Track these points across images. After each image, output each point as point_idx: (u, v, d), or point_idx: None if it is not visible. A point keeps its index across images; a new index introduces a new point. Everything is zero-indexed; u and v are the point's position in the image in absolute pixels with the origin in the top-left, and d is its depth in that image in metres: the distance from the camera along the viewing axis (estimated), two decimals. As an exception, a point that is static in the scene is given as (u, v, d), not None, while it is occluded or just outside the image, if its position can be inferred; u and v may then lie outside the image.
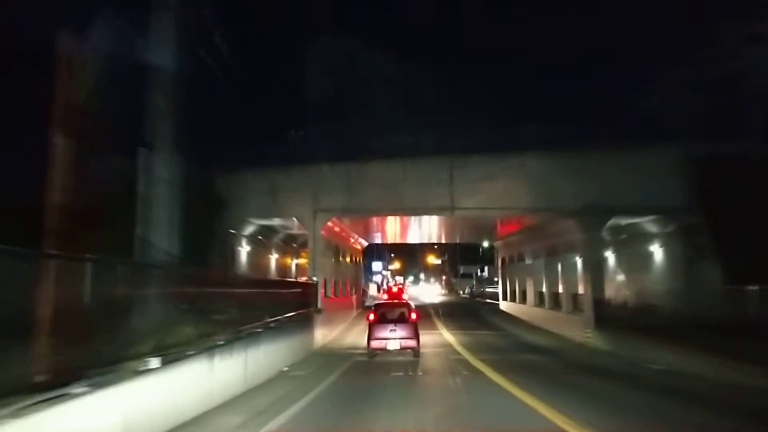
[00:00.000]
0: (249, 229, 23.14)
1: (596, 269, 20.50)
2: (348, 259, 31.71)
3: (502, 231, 33.55)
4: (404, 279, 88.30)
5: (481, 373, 12.25)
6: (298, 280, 20.28)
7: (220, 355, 7.94)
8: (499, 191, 20.70)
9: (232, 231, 22.23)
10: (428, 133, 20.76)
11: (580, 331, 20.73)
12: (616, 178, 20.05)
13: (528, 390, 9.64)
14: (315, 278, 20.45)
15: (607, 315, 19.57)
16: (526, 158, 20.56)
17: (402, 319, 15.33)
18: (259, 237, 25.94)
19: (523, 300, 31.64)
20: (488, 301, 46.02)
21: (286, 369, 12.66)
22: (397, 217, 27.57)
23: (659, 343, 14.78)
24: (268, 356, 11.27)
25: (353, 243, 34.05)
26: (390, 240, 41.66)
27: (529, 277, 30.32)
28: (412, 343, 14.85)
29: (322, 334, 19.64)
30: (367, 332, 15.71)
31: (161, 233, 7.51)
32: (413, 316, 15.64)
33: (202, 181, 19.59)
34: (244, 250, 23.02)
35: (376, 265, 71.69)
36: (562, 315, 23.79)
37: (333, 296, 25.03)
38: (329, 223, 23.57)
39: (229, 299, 9.39)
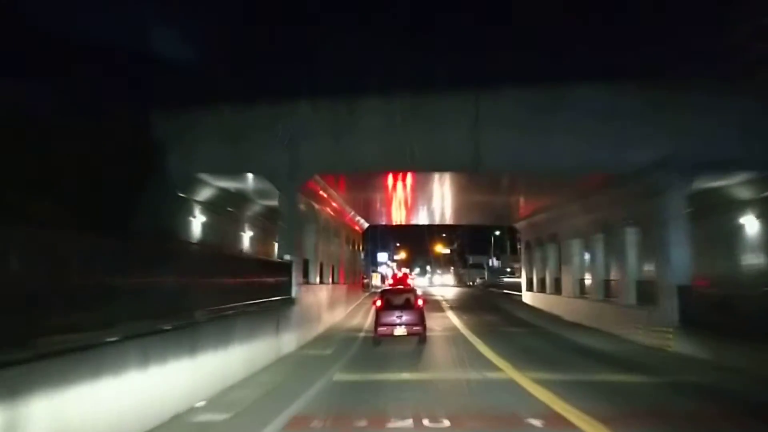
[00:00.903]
0: (205, 193, 17.50)
1: (679, 246, 14.70)
2: (343, 240, 25.99)
3: (527, 208, 27.72)
4: (410, 270, 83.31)
5: (567, 423, 6.48)
6: (257, 256, 14.77)
7: None
8: (543, 138, 14.96)
9: (182, 195, 16.65)
10: (446, 56, 14.93)
11: (651, 331, 15.05)
12: (704, 121, 14.34)
13: None
14: (288, 257, 14.78)
15: (692, 308, 13.93)
16: (581, 92, 14.80)
17: (408, 305, 15.07)
18: (229, 209, 20.34)
19: (556, 290, 25.88)
20: (506, 292, 40.41)
21: (199, 405, 7.03)
22: (401, 190, 21.82)
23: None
24: (131, 392, 5.64)
25: (349, 221, 28.35)
26: (393, 219, 35.71)
27: (565, 261, 24.52)
28: (418, 329, 14.54)
29: (297, 334, 14.02)
30: (371, 323, 15.27)
31: None
32: (419, 302, 15.29)
33: (122, 117, 14.04)
34: (198, 220, 17.39)
35: (381, 256, 67.58)
36: (619, 309, 18.01)
37: (320, 283, 19.38)
38: (316, 187, 17.93)
39: None
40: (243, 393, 7.87)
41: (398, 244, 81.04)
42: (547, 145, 15.03)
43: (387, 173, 17.70)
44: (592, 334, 17.34)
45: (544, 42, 16.23)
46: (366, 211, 29.38)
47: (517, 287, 37.23)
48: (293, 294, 14.45)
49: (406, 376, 9.87)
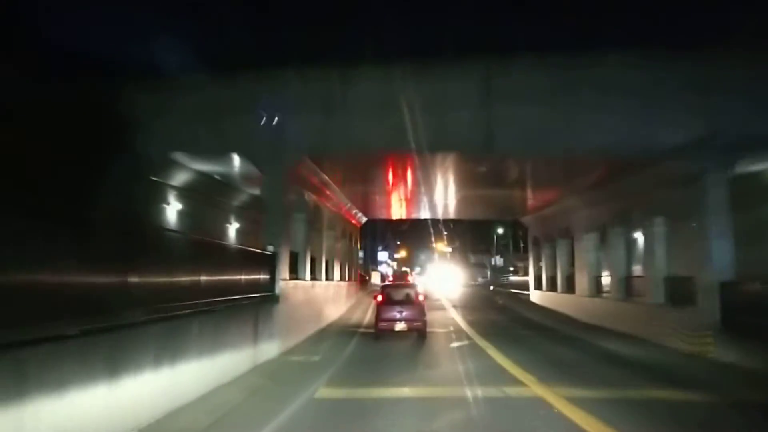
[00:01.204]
0: (181, 177, 15.64)
1: (721, 238, 12.82)
2: (338, 233, 24.08)
3: (536, 200, 25.70)
4: (411, 269, 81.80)
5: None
6: (229, 244, 12.96)
7: None
8: (564, 115, 13.09)
9: (154, 178, 14.82)
10: (453, 19, 13.01)
11: (684, 334, 13.21)
12: (750, 95, 12.44)
13: None
14: (271, 248, 12.90)
15: (736, 308, 12.10)
16: (611, 63, 12.90)
17: (409, 300, 15.21)
18: (217, 198, 18.56)
19: (568, 288, 24.01)
20: (512, 291, 38.59)
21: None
22: (400, 180, 19.91)
23: None
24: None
25: (346, 213, 26.46)
26: (393, 213, 33.71)
27: (579, 257, 22.65)
28: (419, 324, 14.66)
29: (281, 337, 12.16)
30: (368, 322, 15.74)
31: None
32: (420, 297, 15.40)
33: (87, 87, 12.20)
34: (173, 207, 15.53)
35: (382, 255, 66.37)
36: (645, 309, 16.13)
37: (311, 278, 17.48)
38: (307, 173, 16.07)
39: None
40: (192, 418, 6.01)
41: (398, 243, 79.49)
42: (568, 122, 13.19)
43: (385, 156, 15.81)
44: (616, 338, 15.46)
45: (566, 4, 14.28)
46: (364, 204, 27.47)
47: (522, 286, 35.51)
48: (277, 290, 12.59)
49: (407, 391, 8.00)
